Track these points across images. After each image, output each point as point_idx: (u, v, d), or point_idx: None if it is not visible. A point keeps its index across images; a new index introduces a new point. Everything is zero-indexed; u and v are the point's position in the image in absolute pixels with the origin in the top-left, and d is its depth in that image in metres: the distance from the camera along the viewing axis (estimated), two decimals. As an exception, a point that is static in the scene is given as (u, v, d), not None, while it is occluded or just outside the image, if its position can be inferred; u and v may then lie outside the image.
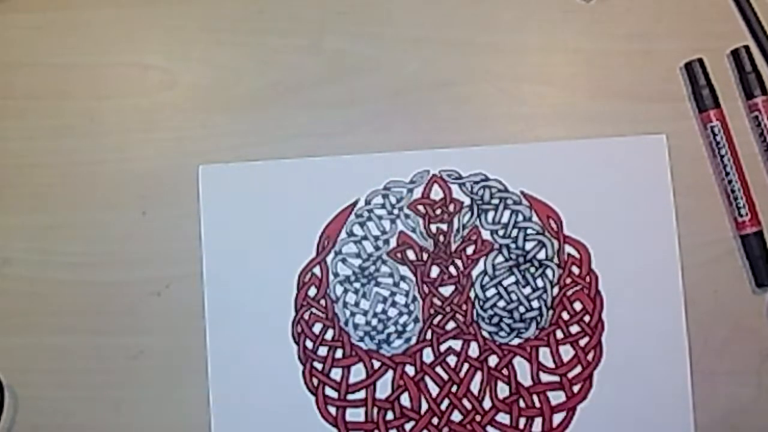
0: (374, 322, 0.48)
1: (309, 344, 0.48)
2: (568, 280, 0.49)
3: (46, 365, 0.49)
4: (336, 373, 0.48)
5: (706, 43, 0.51)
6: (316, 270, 0.49)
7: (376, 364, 0.48)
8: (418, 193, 0.50)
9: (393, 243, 0.49)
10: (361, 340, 0.48)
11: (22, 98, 0.51)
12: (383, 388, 0.48)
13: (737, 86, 0.51)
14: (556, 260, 0.49)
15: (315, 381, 0.48)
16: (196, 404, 0.48)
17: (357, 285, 0.49)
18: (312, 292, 0.49)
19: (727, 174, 0.49)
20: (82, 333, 0.49)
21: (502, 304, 0.49)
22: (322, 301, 0.49)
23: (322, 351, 0.48)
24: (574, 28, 0.51)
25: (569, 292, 0.49)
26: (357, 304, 0.49)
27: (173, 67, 0.51)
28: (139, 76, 0.51)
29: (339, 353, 0.48)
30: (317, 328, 0.48)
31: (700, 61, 0.50)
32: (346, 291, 0.49)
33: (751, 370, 0.49)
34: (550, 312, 0.49)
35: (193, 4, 0.52)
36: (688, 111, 0.51)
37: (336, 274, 0.49)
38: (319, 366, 0.48)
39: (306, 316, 0.48)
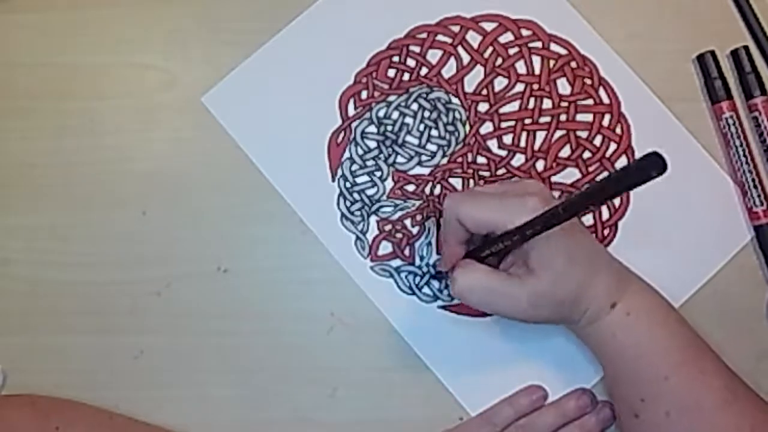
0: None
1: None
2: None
3: (46, 365, 0.49)
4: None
5: (706, 43, 0.51)
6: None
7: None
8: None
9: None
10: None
11: (22, 98, 0.51)
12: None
13: (737, 86, 0.51)
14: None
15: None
16: (197, 404, 0.49)
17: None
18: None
19: (746, 164, 0.49)
20: (82, 333, 0.49)
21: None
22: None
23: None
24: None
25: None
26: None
27: (173, 67, 0.51)
28: (139, 76, 0.51)
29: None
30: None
31: (712, 53, 0.50)
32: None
33: (748, 370, 0.49)
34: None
35: (193, 4, 0.52)
36: (687, 111, 0.51)
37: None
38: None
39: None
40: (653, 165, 0.30)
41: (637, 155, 0.50)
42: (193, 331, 0.49)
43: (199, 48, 0.51)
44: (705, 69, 0.50)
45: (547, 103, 0.50)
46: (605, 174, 0.32)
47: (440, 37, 0.51)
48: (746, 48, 0.50)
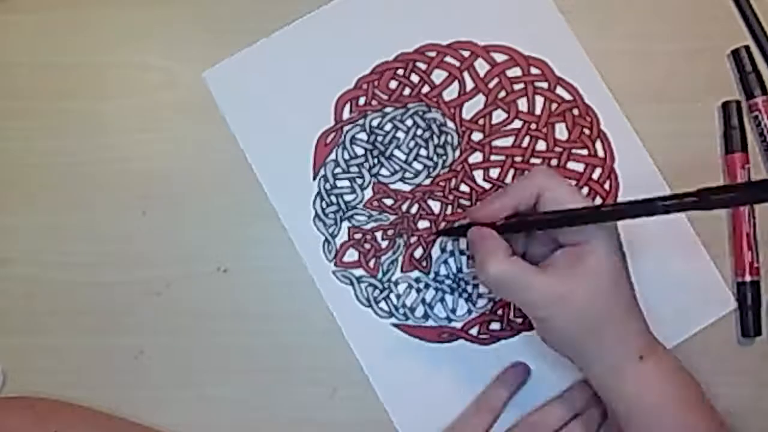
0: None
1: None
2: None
3: (46, 365, 0.49)
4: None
5: (706, 43, 0.51)
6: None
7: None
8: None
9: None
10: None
11: (23, 98, 0.51)
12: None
13: (737, 86, 0.51)
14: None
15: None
16: (197, 404, 0.49)
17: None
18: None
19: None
20: (82, 333, 0.49)
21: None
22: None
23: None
24: (574, 28, 0.51)
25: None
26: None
27: (173, 67, 0.51)
28: (139, 76, 0.51)
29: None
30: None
31: (748, 47, 0.50)
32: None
33: (751, 370, 0.49)
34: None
35: (193, 3, 0.52)
36: (687, 112, 0.51)
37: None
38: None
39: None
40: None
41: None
42: (193, 331, 0.49)
43: (200, 48, 0.51)
44: (727, 117, 0.50)
45: (541, 145, 0.50)
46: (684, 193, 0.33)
47: (448, 59, 0.51)
48: (746, 48, 0.50)
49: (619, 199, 0.49)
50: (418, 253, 0.49)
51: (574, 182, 0.49)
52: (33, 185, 0.50)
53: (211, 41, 0.51)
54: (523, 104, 0.50)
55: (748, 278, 0.48)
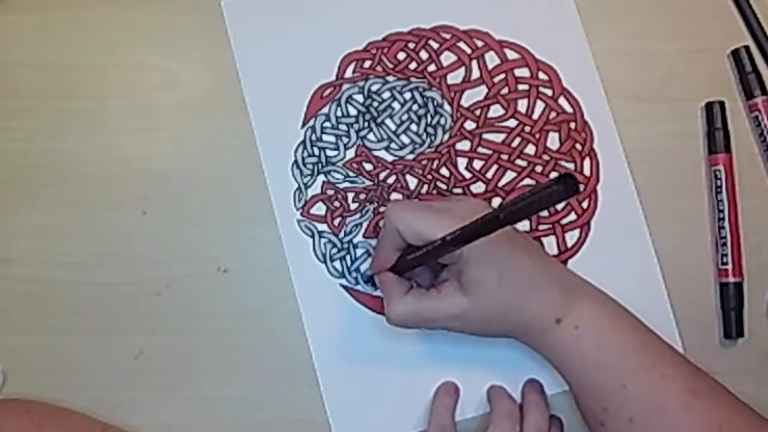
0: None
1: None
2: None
3: (46, 365, 0.49)
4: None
5: (706, 43, 0.51)
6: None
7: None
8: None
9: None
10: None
11: (23, 98, 0.51)
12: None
13: (737, 86, 0.51)
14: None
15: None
16: (197, 404, 0.49)
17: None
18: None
19: (721, 219, 0.49)
20: (82, 333, 0.49)
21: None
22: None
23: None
24: (574, 28, 0.51)
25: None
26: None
27: (173, 67, 0.51)
28: (139, 76, 0.51)
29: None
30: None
31: (748, 47, 0.50)
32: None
33: (750, 370, 0.49)
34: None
35: (193, 4, 0.52)
36: (687, 112, 0.51)
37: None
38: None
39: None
40: (571, 187, 0.31)
41: (590, 237, 0.49)
42: (193, 331, 0.49)
43: (199, 48, 0.51)
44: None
45: (530, 149, 0.50)
46: (524, 194, 0.33)
47: (461, 44, 0.51)
48: (746, 48, 0.50)
49: (593, 222, 0.50)
50: None
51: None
52: (33, 185, 0.50)
53: (211, 41, 0.51)
54: (522, 105, 0.50)
55: (731, 279, 0.48)
